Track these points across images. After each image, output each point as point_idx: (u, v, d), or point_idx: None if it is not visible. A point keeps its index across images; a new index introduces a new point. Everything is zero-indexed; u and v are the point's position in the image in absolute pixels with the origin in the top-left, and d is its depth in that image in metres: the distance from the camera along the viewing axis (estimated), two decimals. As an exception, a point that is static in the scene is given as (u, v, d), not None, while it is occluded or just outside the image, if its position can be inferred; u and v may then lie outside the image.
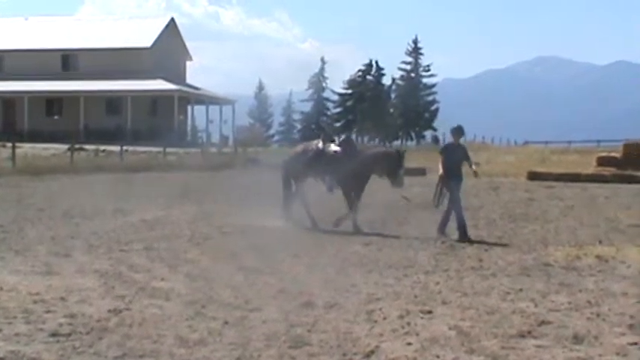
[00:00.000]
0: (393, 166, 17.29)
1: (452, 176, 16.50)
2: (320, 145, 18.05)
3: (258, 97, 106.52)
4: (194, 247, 14.58)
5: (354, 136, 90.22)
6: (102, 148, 50.23)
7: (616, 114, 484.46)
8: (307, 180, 18.28)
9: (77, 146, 47.61)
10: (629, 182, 34.02)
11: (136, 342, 7.93)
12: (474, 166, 17.09)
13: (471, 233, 16.65)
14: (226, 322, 8.76)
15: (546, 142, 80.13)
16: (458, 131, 16.88)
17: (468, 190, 26.84)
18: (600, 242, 15.04)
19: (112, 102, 71.58)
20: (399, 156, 17.58)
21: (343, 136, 18.86)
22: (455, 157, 16.70)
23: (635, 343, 8.08)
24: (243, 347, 7.79)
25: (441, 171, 16.67)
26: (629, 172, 36.69)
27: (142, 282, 11.06)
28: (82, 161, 42.77)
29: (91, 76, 68.70)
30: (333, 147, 17.85)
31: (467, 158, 17.02)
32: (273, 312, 9.31)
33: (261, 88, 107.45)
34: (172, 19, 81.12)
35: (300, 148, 19.30)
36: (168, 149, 49.51)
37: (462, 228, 15.99)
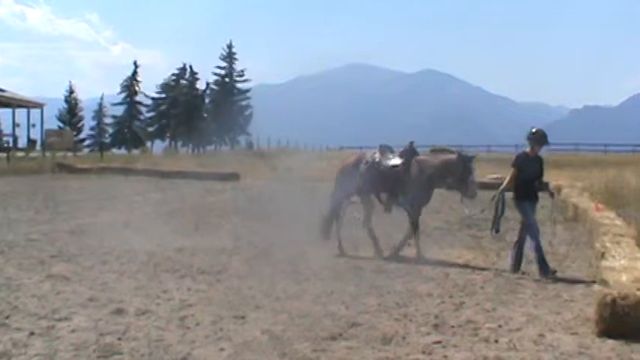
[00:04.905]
0: (460, 175, 14.48)
1: (525, 196, 13.32)
2: (377, 156, 15.46)
3: (68, 101, 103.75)
4: (-2, 255, 14.04)
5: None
6: None
7: (423, 119, 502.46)
8: (356, 197, 15.81)
9: None
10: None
11: None
12: (553, 195, 14.34)
13: (284, 237, 16.71)
14: (32, 333, 8.49)
15: (360, 147, 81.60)
16: (539, 138, 13.50)
17: (280, 195, 27.08)
18: (409, 245, 15.45)
19: None
20: (464, 161, 14.58)
21: (405, 146, 15.42)
22: (531, 171, 13.44)
23: (440, 342, 8.41)
24: (49, 358, 7.58)
25: (502, 187, 13.55)
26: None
27: (-59, 293, 10.57)
28: None
29: None
30: (393, 160, 15.25)
31: (541, 174, 13.78)
32: (82, 321, 9.09)
33: (71, 91, 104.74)
34: (-24, 19, 78.01)
35: (352, 159, 16.15)
36: (-28, 154, 47.54)
37: (542, 260, 13.02)
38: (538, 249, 13.07)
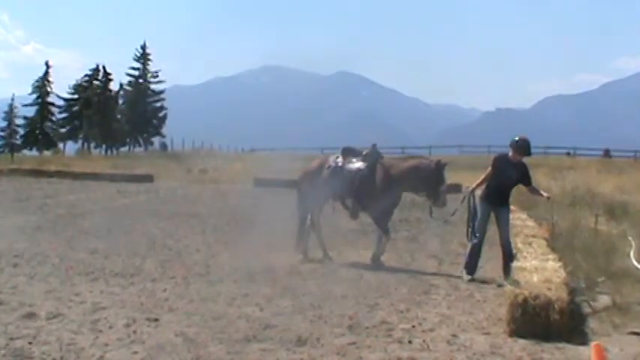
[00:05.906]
0: (431, 182, 13.93)
1: (491, 200, 12.96)
2: (340, 160, 14.91)
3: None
4: None
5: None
6: None
7: (339, 120, 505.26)
8: (324, 204, 15.20)
9: None
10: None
11: None
12: (544, 193, 13.28)
13: (199, 239, 16.67)
14: (-62, 339, 8.27)
15: (272, 149, 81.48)
16: (517, 147, 12.88)
17: (194, 197, 26.97)
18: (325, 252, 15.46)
19: None
20: (437, 168, 13.94)
21: (369, 148, 14.85)
22: (506, 175, 12.85)
23: (354, 343, 8.46)
24: (-44, 364, 7.40)
25: (471, 188, 13.33)
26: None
27: None
28: None
29: None
30: (357, 163, 14.71)
31: (527, 180, 13.06)
32: (-9, 325, 8.88)
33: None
34: None
35: (315, 164, 15.46)
36: None
37: (471, 266, 13.02)
38: (473, 250, 13.00)
